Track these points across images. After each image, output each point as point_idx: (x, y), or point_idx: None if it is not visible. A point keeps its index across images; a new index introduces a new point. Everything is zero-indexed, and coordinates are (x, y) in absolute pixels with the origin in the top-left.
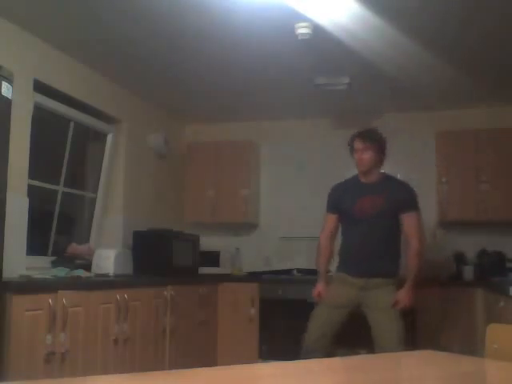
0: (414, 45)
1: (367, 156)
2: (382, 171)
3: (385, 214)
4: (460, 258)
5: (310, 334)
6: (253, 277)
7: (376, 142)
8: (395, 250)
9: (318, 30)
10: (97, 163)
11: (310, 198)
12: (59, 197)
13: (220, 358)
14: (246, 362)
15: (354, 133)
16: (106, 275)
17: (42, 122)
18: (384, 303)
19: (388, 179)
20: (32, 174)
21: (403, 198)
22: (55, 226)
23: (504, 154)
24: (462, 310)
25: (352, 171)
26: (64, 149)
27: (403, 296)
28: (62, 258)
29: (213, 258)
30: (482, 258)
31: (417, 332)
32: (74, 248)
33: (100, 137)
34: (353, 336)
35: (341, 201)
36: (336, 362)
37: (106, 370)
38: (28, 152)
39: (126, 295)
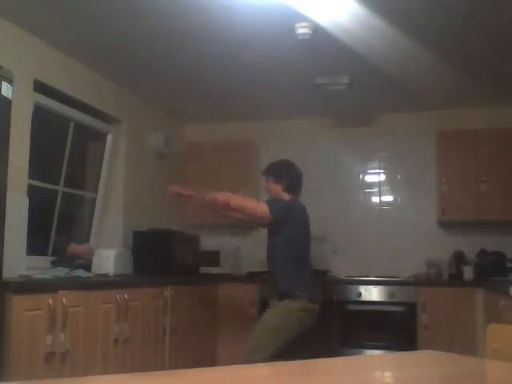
0: (414, 45)
1: (265, 186)
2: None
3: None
4: (460, 258)
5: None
6: (253, 277)
7: (266, 172)
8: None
9: (318, 30)
10: (97, 163)
11: (310, 198)
12: (59, 197)
13: (220, 358)
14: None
15: None
16: (106, 275)
17: (42, 122)
18: None
19: None
20: (32, 174)
21: None
22: (55, 226)
23: (504, 154)
24: (462, 310)
25: (352, 171)
26: (64, 149)
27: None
28: (62, 258)
29: (213, 258)
30: (482, 258)
31: (417, 332)
32: (74, 248)
33: (100, 137)
34: (356, 336)
35: None
36: (336, 361)
37: (106, 370)
38: (28, 152)
39: (126, 295)
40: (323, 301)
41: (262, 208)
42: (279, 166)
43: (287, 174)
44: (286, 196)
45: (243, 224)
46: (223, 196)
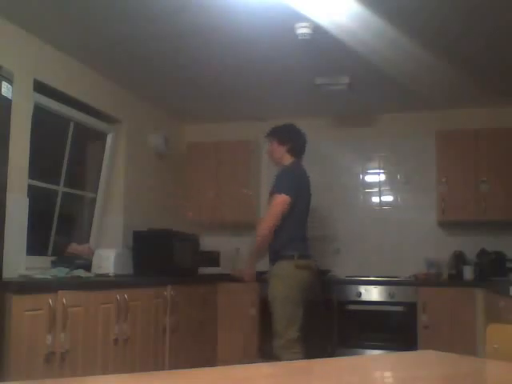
0: (414, 45)
1: (268, 149)
2: (288, 162)
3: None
4: (460, 258)
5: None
6: None
7: (270, 135)
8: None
9: (318, 30)
10: (97, 163)
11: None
12: (59, 197)
13: (220, 358)
14: (246, 362)
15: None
16: (106, 275)
17: (42, 121)
18: None
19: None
20: (32, 174)
21: (274, 183)
22: (55, 226)
23: (504, 154)
24: (462, 310)
25: (352, 171)
26: (64, 149)
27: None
28: (62, 258)
29: (213, 258)
30: (482, 258)
31: (417, 332)
32: (74, 248)
33: (100, 137)
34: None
35: None
36: (336, 361)
37: (105, 370)
38: (28, 152)
39: (125, 295)
40: (323, 301)
41: (281, 199)
42: (284, 128)
43: (291, 136)
44: (288, 158)
45: None
46: (262, 232)
